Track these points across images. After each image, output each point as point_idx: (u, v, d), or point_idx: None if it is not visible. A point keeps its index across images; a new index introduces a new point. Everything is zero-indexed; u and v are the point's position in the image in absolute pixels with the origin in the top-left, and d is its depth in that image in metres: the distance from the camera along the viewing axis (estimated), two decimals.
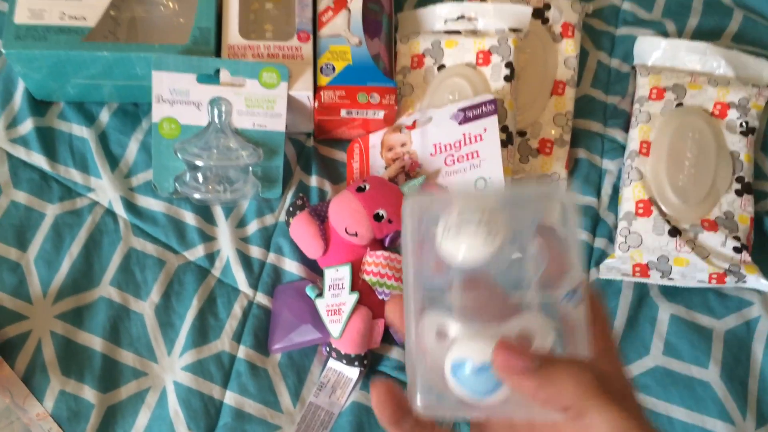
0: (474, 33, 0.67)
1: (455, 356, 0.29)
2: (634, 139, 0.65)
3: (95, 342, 0.57)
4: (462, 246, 0.30)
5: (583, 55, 0.69)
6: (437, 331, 0.30)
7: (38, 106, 0.64)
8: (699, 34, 0.70)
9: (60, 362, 0.56)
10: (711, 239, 0.61)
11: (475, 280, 0.31)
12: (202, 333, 0.58)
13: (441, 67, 0.66)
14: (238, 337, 0.58)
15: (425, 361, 0.30)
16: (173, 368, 0.57)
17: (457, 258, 0.30)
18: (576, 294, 0.29)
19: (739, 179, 0.62)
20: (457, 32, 0.67)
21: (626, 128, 0.67)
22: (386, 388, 0.30)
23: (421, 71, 0.66)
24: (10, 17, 0.58)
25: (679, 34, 0.71)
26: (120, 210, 0.61)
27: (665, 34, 0.70)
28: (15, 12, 0.59)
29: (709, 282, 0.60)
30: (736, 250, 0.60)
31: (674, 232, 0.61)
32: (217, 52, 0.61)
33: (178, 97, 0.59)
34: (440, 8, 0.68)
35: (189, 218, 0.61)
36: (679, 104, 0.65)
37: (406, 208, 0.31)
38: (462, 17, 0.67)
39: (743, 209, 0.62)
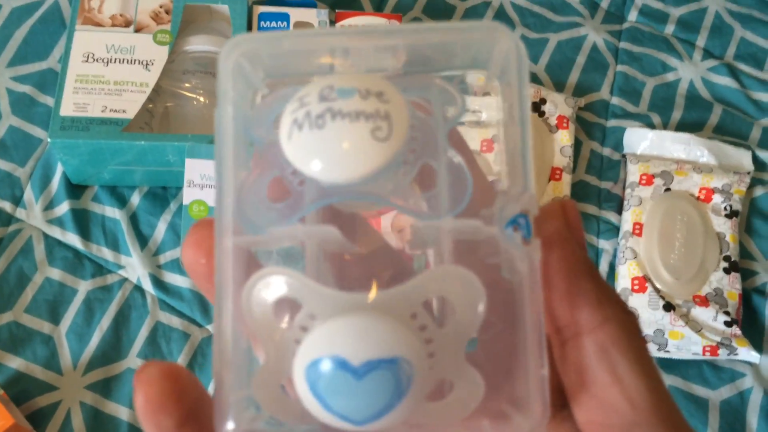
0: (478, 124, 0.73)
1: (313, 350, 0.16)
2: (627, 221, 0.70)
3: (122, 412, 0.60)
4: (327, 147, 0.16)
5: (577, 145, 0.75)
6: (276, 299, 0.17)
7: (74, 189, 0.69)
8: (683, 126, 0.77)
9: (88, 431, 0.59)
10: (703, 314, 0.65)
11: (345, 211, 0.18)
12: None
13: None
14: (257, 407, 0.61)
15: (249, 352, 0.18)
16: None
17: (314, 169, 0.17)
18: (525, 221, 0.17)
19: (726, 258, 0.67)
20: (461, 123, 0.73)
21: (619, 211, 0.72)
22: (165, 375, 0.17)
23: None
24: (56, 110, 0.64)
25: (665, 126, 0.77)
26: (148, 286, 0.65)
27: (652, 125, 0.77)
28: (61, 105, 0.64)
29: (703, 354, 0.64)
30: (727, 324, 0.64)
31: (668, 307, 0.65)
32: None
33: (207, 181, 0.64)
34: None
35: None
36: (667, 189, 0.70)
37: (223, 58, 0.18)
38: (467, 110, 0.74)
39: (731, 286, 0.66)
